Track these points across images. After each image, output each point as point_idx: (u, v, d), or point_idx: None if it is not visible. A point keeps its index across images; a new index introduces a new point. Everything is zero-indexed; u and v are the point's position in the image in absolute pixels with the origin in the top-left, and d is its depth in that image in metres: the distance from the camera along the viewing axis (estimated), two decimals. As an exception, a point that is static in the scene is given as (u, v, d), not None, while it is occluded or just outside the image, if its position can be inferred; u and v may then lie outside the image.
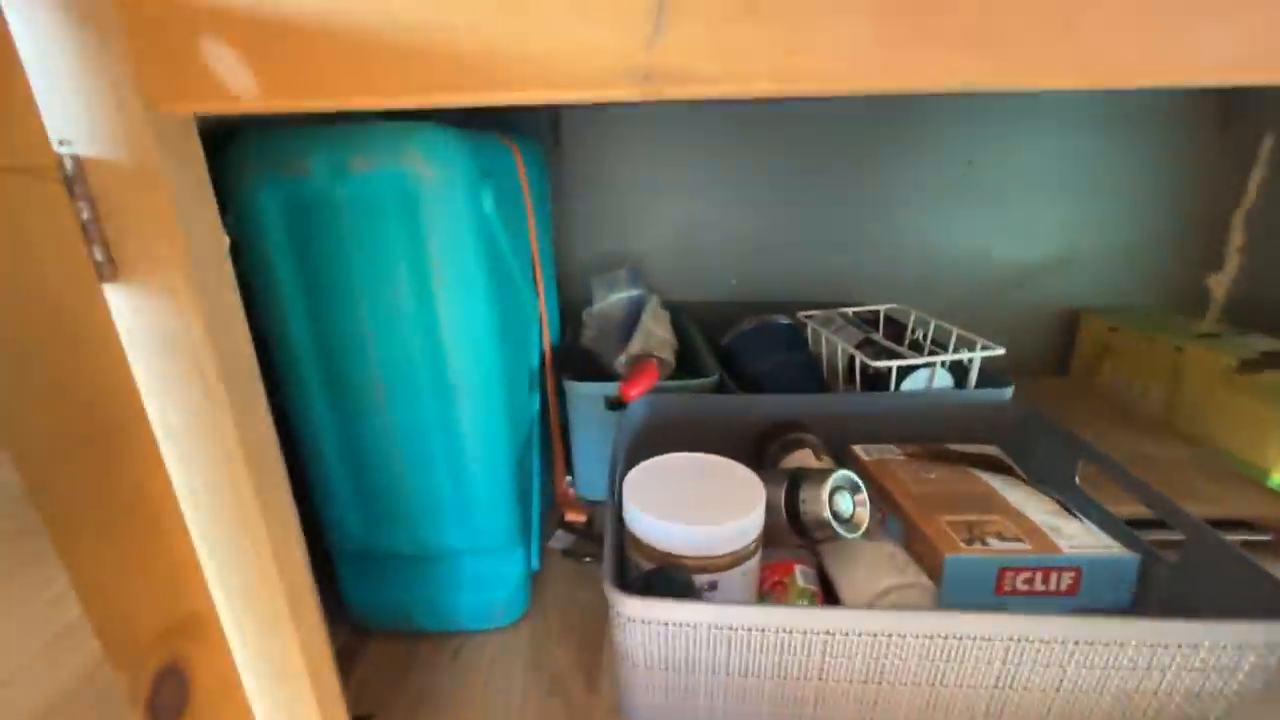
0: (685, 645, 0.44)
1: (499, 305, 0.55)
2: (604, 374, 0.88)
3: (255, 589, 0.32)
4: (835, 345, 0.86)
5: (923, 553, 0.56)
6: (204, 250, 0.28)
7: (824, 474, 0.57)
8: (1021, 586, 0.54)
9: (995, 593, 0.55)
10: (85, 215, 0.26)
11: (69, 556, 0.24)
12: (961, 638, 0.41)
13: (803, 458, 0.69)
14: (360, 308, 0.50)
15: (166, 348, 0.28)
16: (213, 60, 0.24)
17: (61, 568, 0.23)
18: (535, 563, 0.66)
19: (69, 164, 0.25)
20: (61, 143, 0.25)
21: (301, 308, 0.50)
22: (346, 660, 0.60)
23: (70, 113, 0.25)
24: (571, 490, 0.88)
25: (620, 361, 0.89)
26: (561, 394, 0.82)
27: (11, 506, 0.21)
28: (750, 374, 0.90)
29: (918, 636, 0.41)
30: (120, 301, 0.27)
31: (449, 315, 0.51)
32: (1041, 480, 0.68)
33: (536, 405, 0.73)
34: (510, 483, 0.60)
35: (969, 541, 0.55)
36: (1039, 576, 0.54)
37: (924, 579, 0.54)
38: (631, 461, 0.66)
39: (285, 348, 0.51)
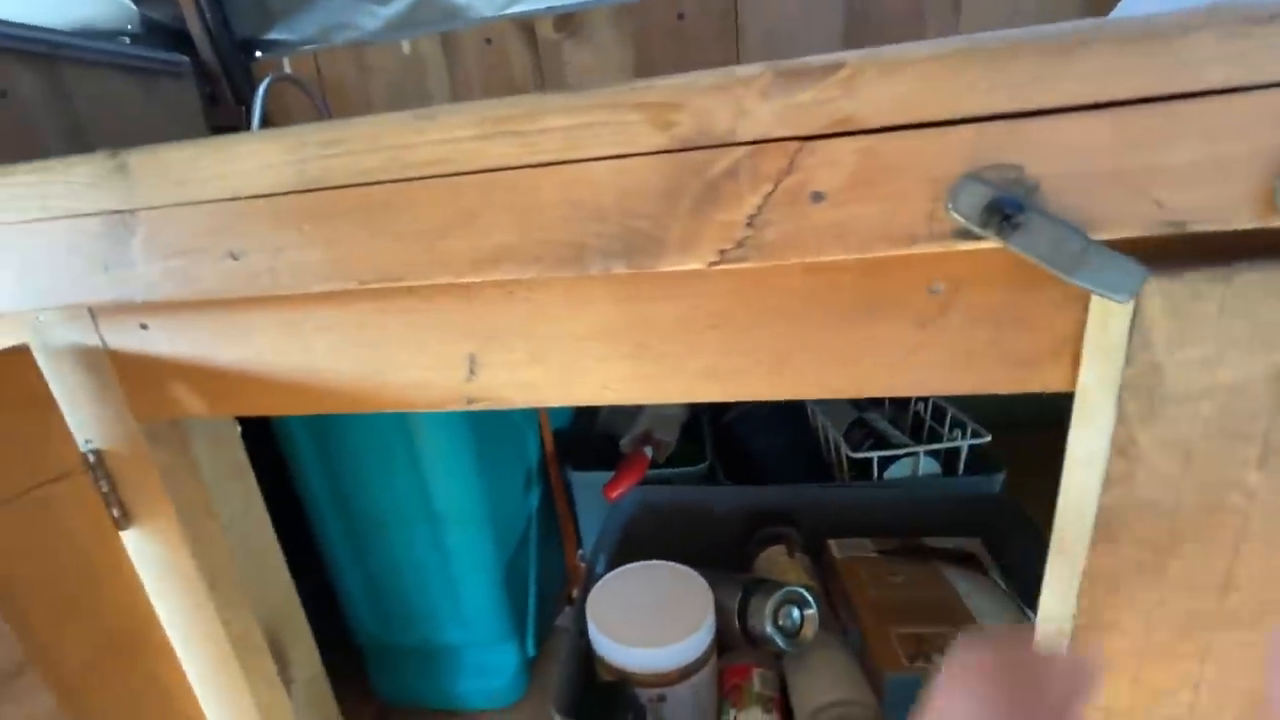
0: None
1: (478, 441, 0.64)
2: (615, 454, 0.95)
3: (248, 734, 0.42)
4: (827, 428, 0.89)
5: (871, 667, 0.59)
6: (186, 501, 0.37)
7: (772, 588, 0.61)
8: (967, 705, 0.56)
9: (940, 709, 0.57)
10: (105, 488, 0.36)
11: (96, 743, 0.34)
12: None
13: (775, 555, 0.73)
14: (362, 455, 0.60)
15: (166, 568, 0.38)
16: (173, 392, 0.34)
17: (87, 759, 0.33)
18: (532, 649, 0.74)
19: (91, 456, 0.35)
20: (87, 441, 0.36)
21: (318, 459, 0.61)
22: (371, 733, 0.71)
23: (89, 425, 0.35)
24: (583, 565, 0.95)
25: (625, 443, 0.95)
26: (568, 480, 0.89)
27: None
28: (749, 455, 0.94)
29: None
30: (133, 541, 0.37)
31: (431, 461, 0.60)
32: (1021, 578, 0.68)
33: (535, 501, 0.81)
34: (500, 584, 0.68)
35: (914, 658, 0.58)
36: (984, 696, 0.56)
37: (869, 696, 0.57)
38: (619, 552, 0.73)
39: (306, 491, 0.62)
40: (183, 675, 0.40)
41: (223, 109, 1.13)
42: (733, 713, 0.60)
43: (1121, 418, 0.23)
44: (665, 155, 0.23)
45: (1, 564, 0.33)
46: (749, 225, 0.23)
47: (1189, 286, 0.21)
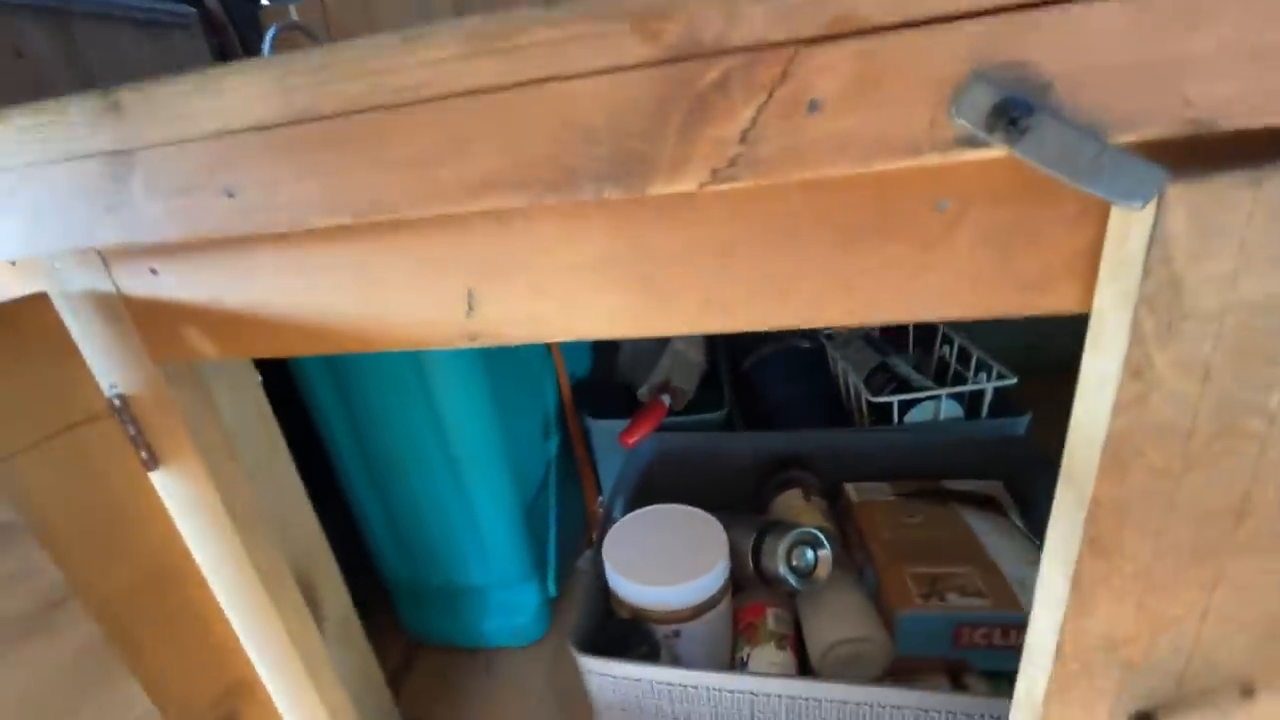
0: (632, 693, 0.53)
1: (493, 383, 0.64)
2: (633, 403, 0.96)
3: (281, 661, 0.45)
4: (848, 374, 0.88)
5: (885, 605, 0.60)
6: (209, 444, 0.39)
7: (786, 528, 0.61)
8: (980, 641, 0.57)
9: (955, 647, 0.57)
10: (132, 431, 0.37)
11: (139, 666, 0.36)
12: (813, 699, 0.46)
13: (791, 499, 0.74)
14: (379, 399, 0.61)
15: (195, 508, 0.40)
16: (186, 336, 0.34)
17: (133, 680, 0.35)
18: (553, 590, 0.77)
19: (117, 401, 0.37)
20: (111, 386, 0.37)
21: (337, 404, 0.62)
22: (404, 669, 0.74)
23: (111, 369, 0.36)
24: (602, 510, 0.97)
25: (642, 392, 0.96)
26: (587, 428, 0.90)
27: (95, 651, 0.33)
28: (767, 403, 0.94)
29: (779, 696, 0.47)
30: (162, 482, 0.39)
31: (446, 403, 0.61)
32: (1044, 520, 0.67)
33: (554, 447, 0.82)
34: (520, 526, 0.70)
35: (927, 596, 0.58)
36: (998, 632, 0.56)
37: (881, 634, 0.58)
38: (637, 499, 0.74)
39: (327, 433, 0.64)
40: (218, 606, 0.43)
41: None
42: (747, 648, 0.61)
43: (1137, 337, 0.22)
44: (654, 68, 0.22)
45: (38, 503, 0.34)
46: (742, 141, 0.22)
47: (1214, 192, 0.20)
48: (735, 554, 0.63)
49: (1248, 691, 0.27)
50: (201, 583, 0.42)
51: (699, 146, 0.22)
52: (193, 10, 1.07)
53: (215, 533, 0.40)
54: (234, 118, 0.25)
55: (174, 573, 0.40)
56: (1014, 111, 0.19)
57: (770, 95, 0.21)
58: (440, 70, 0.23)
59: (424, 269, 0.30)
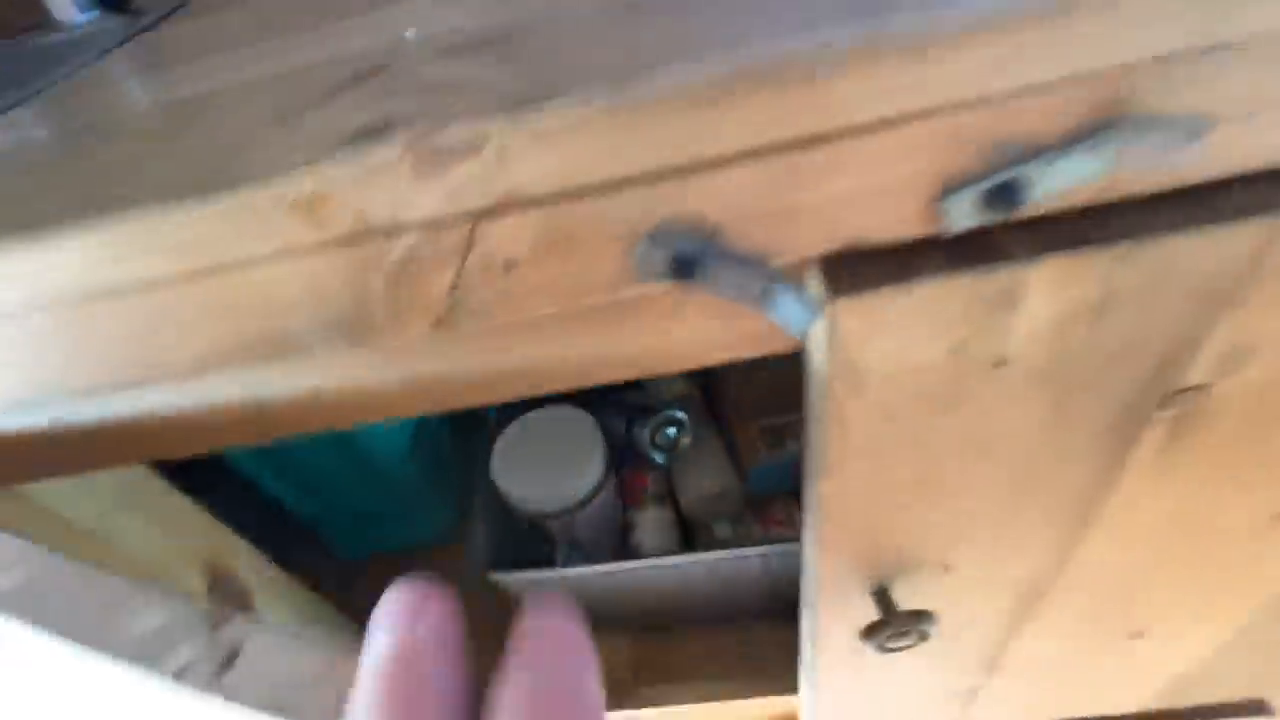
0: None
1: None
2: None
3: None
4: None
5: (738, 459, 0.71)
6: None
7: (649, 414, 0.69)
8: (815, 471, 0.69)
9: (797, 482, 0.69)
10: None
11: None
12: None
13: (659, 372, 0.80)
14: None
15: None
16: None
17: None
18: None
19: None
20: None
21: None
22: (346, 590, 0.83)
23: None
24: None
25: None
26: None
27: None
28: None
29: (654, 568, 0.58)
30: None
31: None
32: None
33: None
34: (407, 453, 0.74)
35: (773, 446, 0.69)
36: (829, 462, 0.68)
37: (735, 481, 0.69)
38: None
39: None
40: None
41: None
42: (634, 512, 0.72)
43: (832, 395, 0.26)
44: (334, 248, 0.20)
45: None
46: (453, 292, 0.22)
47: (876, 300, 0.22)
48: (613, 437, 0.70)
49: (948, 569, 0.37)
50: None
51: (413, 302, 0.22)
52: None
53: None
54: None
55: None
56: (682, 261, 0.21)
57: (464, 260, 0.21)
58: (80, 274, 0.21)
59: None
